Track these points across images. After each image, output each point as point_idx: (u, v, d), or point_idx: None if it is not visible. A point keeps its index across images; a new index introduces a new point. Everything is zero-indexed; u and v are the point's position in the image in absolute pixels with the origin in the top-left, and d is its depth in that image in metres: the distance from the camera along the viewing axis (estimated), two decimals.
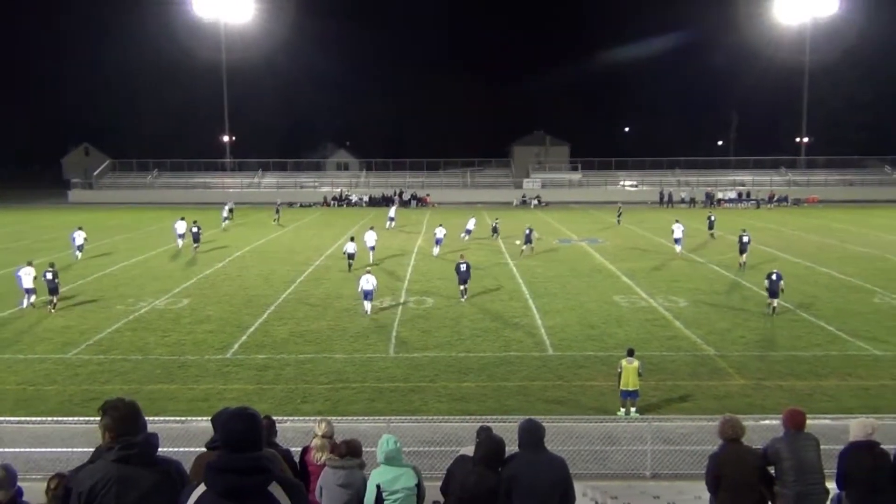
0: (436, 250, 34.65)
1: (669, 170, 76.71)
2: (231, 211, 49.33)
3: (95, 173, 79.21)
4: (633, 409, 13.93)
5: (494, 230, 40.38)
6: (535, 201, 66.19)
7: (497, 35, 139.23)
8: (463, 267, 24.47)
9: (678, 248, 34.06)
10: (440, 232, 35.51)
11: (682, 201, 66.91)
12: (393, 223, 46.85)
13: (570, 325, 20.71)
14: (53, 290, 22.54)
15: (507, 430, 6.82)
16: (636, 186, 73.63)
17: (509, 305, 23.22)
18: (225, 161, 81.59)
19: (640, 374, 13.89)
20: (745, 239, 31.07)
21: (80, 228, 34.10)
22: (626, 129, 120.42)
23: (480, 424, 7.00)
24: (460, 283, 24.48)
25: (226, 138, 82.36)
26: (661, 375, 16.22)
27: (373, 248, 33.01)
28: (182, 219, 37.63)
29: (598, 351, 18.11)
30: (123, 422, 4.32)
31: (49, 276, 22.58)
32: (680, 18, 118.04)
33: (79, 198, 73.10)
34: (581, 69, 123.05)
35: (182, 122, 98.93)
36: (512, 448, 6.34)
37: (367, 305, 22.33)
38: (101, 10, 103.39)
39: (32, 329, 20.45)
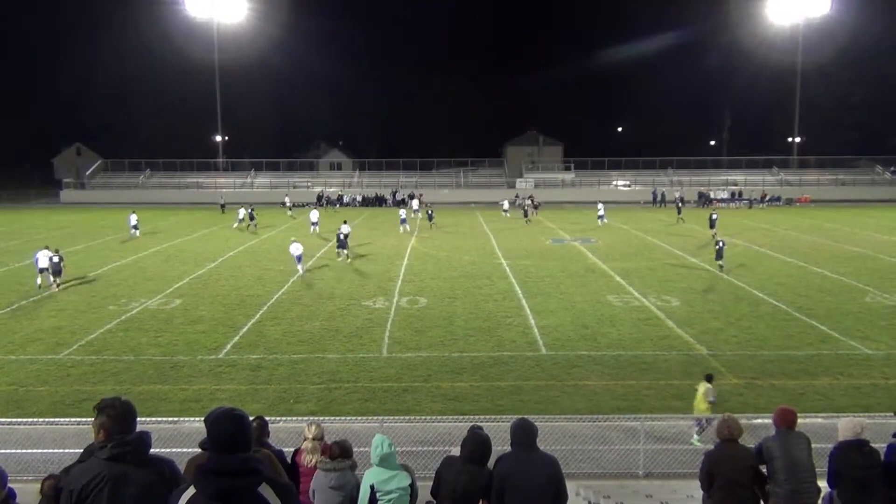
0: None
1: (662, 169, 76.92)
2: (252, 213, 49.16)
3: (87, 173, 78.92)
4: (695, 437, 12.46)
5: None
6: (529, 201, 64.23)
7: (491, 35, 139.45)
8: (342, 236, 32.43)
9: (600, 222, 47.10)
10: (415, 204, 52.52)
11: (681, 200, 66.82)
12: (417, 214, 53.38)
13: (563, 324, 20.74)
14: (58, 271, 25.55)
15: (501, 429, 6.83)
16: (629, 186, 73.76)
17: (502, 305, 23.23)
18: (218, 161, 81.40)
19: (710, 402, 12.64)
20: (714, 216, 40.52)
21: (133, 212, 42.66)
22: (619, 129, 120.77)
23: (472, 424, 7.00)
24: (338, 247, 32.47)
25: (218, 138, 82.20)
26: (654, 375, 16.26)
27: (315, 224, 42.89)
28: (242, 207, 48.82)
29: (591, 351, 18.13)
30: (118, 421, 4.32)
31: (55, 259, 25.48)
32: (673, 18, 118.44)
33: (71, 198, 72.86)
34: (575, 69, 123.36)
35: (175, 121, 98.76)
36: (505, 448, 6.35)
37: (300, 267, 28.67)
38: (93, 10, 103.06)
39: (24, 329, 20.36)
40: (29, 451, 11.18)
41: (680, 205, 52.83)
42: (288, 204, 58.04)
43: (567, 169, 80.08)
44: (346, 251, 32.49)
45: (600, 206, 49.63)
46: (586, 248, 36.12)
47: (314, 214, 44.26)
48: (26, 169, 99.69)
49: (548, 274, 28.72)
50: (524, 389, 15.40)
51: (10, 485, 6.46)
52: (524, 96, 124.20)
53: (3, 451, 11.19)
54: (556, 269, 29.98)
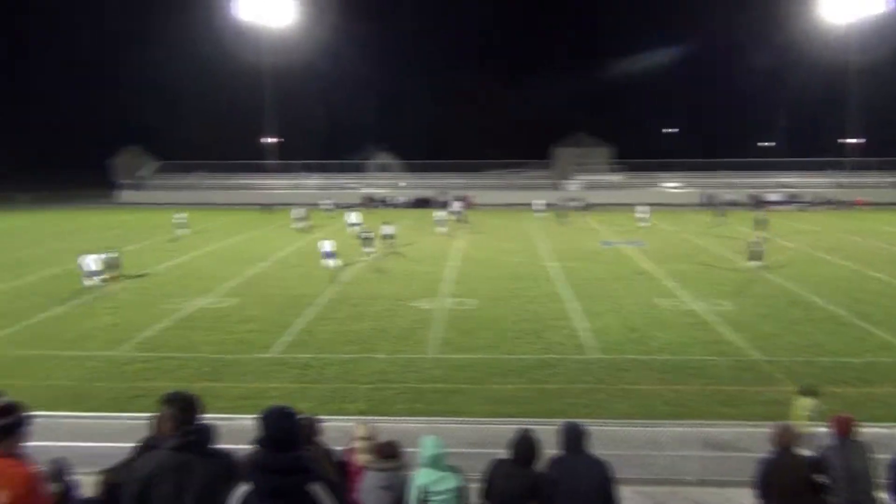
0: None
1: (713, 171, 75.46)
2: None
3: (144, 174, 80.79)
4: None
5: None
6: (574, 202, 62.62)
7: (538, 36, 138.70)
8: (364, 236, 33.35)
9: (642, 224, 46.50)
10: (456, 206, 52.37)
11: (729, 204, 65.32)
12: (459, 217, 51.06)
13: (611, 327, 20.52)
14: (114, 266, 27.62)
15: (550, 432, 6.78)
16: (679, 188, 72.62)
17: (550, 308, 23.08)
18: (268, 163, 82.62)
19: (809, 418, 10.63)
20: (762, 218, 41.67)
21: (180, 212, 44.28)
22: (670, 131, 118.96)
23: (521, 426, 6.97)
24: (363, 246, 32.76)
25: (269, 140, 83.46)
26: (706, 380, 15.99)
27: (355, 224, 42.44)
28: (302, 208, 49.18)
29: (640, 354, 17.91)
30: (185, 412, 4.45)
31: (112, 255, 27.78)
32: (724, 17, 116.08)
33: (128, 198, 74.67)
34: (624, 69, 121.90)
35: (226, 124, 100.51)
36: (553, 451, 6.31)
37: (331, 262, 29.29)
38: (146, 16, 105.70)
39: (81, 326, 20.94)
40: (88, 444, 11.46)
41: (723, 207, 52.63)
42: (327, 205, 59.25)
43: (616, 171, 79.20)
44: (372, 250, 32.91)
45: (643, 208, 48.96)
46: (635, 251, 35.68)
47: (353, 216, 45.16)
48: (85, 170, 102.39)
49: (596, 276, 28.46)
50: (572, 392, 15.28)
51: (71, 477, 6.66)
52: (572, 97, 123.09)
53: (63, 443, 11.50)
54: (604, 271, 29.69)
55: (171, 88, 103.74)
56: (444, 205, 58.41)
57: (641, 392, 15.25)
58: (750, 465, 7.25)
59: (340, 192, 70.73)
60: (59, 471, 6.36)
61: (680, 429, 12.03)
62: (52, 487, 5.99)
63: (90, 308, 23.41)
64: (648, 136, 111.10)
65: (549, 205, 57.03)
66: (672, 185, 73.41)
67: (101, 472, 6.33)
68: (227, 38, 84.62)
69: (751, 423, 12.38)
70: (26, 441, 4.75)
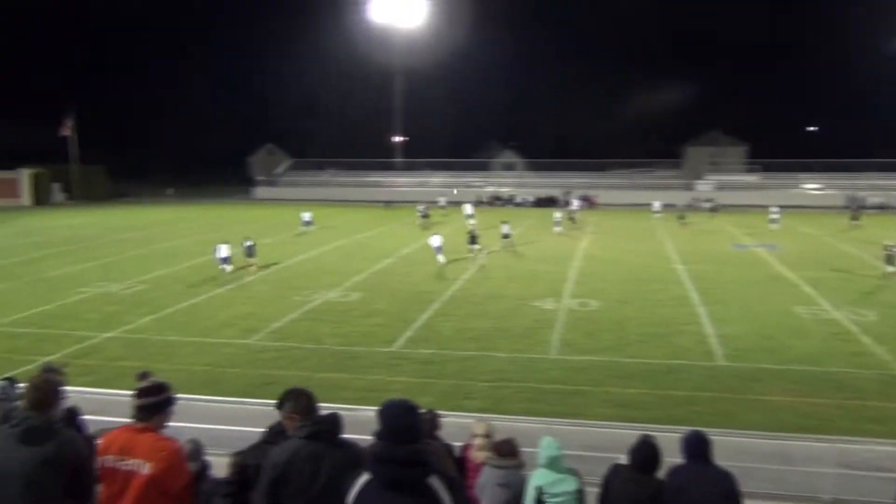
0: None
1: (858, 172, 70.69)
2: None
3: (278, 172, 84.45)
4: None
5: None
6: (708, 204, 61.14)
7: (670, 31, 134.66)
8: (474, 232, 33.73)
9: (774, 226, 44.54)
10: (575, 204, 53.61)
11: (879, 207, 60.94)
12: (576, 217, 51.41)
13: (743, 334, 19.65)
14: (251, 255, 29.56)
15: (673, 440, 6.58)
16: (820, 190, 68.54)
17: (677, 311, 22.38)
18: (395, 161, 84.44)
19: None
20: None
21: (306, 211, 46.32)
22: (811, 129, 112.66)
23: (643, 432, 6.80)
24: (470, 243, 32.90)
25: (397, 139, 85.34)
26: (846, 394, 15.03)
27: (469, 217, 44.06)
28: (422, 205, 51.20)
29: (774, 364, 17.04)
30: (307, 402, 4.70)
31: (248, 244, 29.77)
32: (866, 5, 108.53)
33: (263, 194, 78.30)
34: (761, 64, 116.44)
35: (356, 122, 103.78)
36: (675, 459, 6.13)
37: (440, 258, 30.65)
38: (283, 21, 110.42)
39: (219, 315, 22.11)
40: (221, 427, 12.06)
41: (860, 209, 50.77)
42: (442, 202, 60.56)
43: (751, 170, 75.81)
44: (478, 247, 32.70)
45: (774, 209, 47.27)
46: (771, 255, 34.02)
47: (468, 207, 47.57)
48: (225, 168, 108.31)
49: (728, 280, 27.34)
50: (699, 400, 14.75)
51: (204, 457, 7.07)
52: (705, 94, 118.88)
53: (198, 425, 12.16)
54: (736, 275, 28.49)
55: (306, 89, 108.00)
56: (566, 204, 57.87)
57: (773, 403, 14.53)
58: (890, 487, 6.77)
59: (465, 191, 71.16)
60: (195, 450, 6.79)
61: (814, 444, 11.34)
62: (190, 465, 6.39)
63: (228, 297, 24.70)
64: (788, 134, 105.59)
65: (665, 205, 55.67)
66: (812, 187, 69.34)
67: (233, 455, 6.67)
68: (359, 40, 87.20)
69: (895, 442, 11.53)
70: (171, 420, 5.09)
